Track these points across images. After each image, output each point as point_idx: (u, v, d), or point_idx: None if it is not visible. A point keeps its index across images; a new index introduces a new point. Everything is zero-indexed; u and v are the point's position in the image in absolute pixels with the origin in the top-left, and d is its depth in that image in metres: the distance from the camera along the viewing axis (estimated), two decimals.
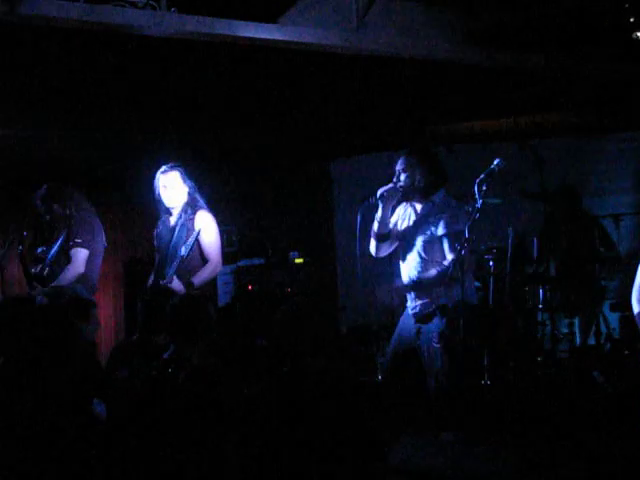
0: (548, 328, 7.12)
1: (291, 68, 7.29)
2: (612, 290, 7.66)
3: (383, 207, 5.77)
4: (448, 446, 3.79)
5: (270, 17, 6.01)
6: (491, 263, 7.23)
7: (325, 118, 9.13)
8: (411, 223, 5.82)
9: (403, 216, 5.92)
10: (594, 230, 7.55)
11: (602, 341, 7.33)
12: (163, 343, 4.78)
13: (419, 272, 5.69)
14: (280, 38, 6.04)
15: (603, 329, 7.38)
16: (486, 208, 6.82)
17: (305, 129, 9.53)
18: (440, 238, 5.66)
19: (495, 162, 6.68)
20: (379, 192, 5.76)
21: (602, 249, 7.42)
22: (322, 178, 10.26)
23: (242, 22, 5.89)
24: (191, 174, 6.74)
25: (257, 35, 5.95)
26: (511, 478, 3.18)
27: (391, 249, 5.96)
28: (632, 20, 7.05)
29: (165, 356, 4.61)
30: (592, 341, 7.39)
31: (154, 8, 5.47)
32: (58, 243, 6.70)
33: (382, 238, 5.87)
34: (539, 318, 7.19)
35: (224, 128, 9.04)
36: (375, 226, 5.85)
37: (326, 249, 10.03)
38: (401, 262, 5.87)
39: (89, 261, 6.72)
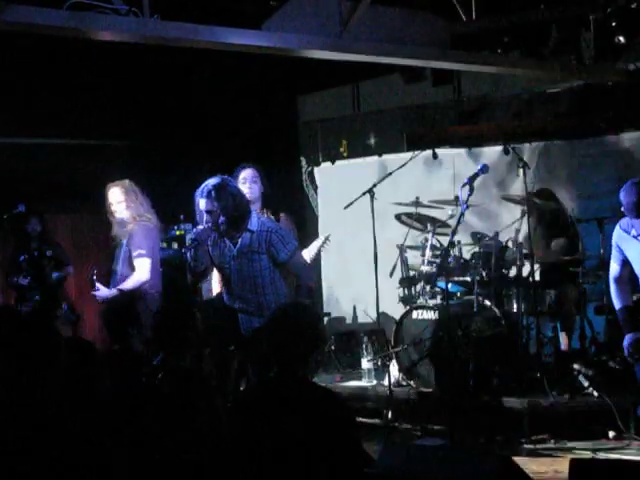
0: (533, 332, 7.13)
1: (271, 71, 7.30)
2: (596, 293, 7.67)
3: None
4: (433, 451, 3.78)
5: (254, 23, 6.02)
6: (475, 268, 7.24)
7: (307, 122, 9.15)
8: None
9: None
10: (578, 232, 7.57)
11: (587, 344, 7.35)
12: (146, 351, 4.77)
13: None
14: (264, 44, 6.04)
15: (588, 332, 7.39)
16: (470, 213, 6.89)
17: (287, 132, 9.57)
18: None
19: (479, 166, 6.72)
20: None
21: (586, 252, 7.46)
22: (309, 182, 10.26)
23: (225, 28, 5.90)
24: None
25: (241, 41, 5.96)
26: None
27: None
28: (614, 24, 7.11)
29: (154, 362, 4.60)
30: (577, 344, 7.40)
31: (137, 15, 5.46)
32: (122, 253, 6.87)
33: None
34: (523, 322, 7.20)
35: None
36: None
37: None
38: None
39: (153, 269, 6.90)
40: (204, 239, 5.94)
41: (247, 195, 6.29)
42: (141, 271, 6.74)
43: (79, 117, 8.51)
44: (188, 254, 6.00)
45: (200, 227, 5.93)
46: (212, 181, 5.90)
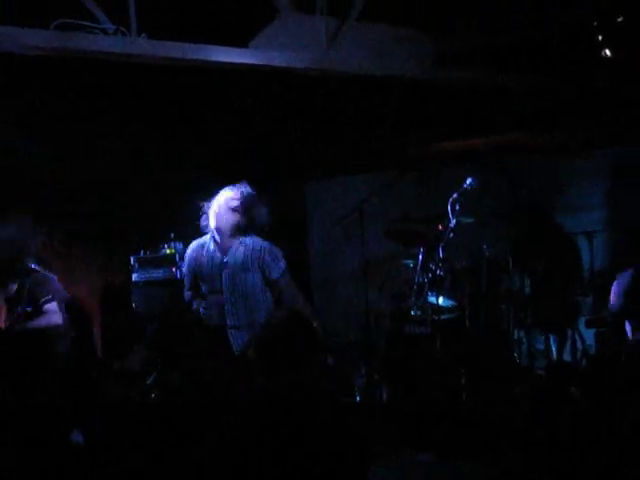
0: (524, 346, 7.15)
1: (263, 89, 7.32)
2: (587, 306, 7.69)
3: None
4: (425, 466, 3.79)
5: (241, 41, 6.05)
6: (466, 282, 7.26)
7: (300, 140, 9.16)
8: None
9: None
10: (569, 247, 7.59)
11: (578, 357, 7.36)
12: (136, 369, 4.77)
13: None
14: (251, 62, 6.07)
15: (579, 345, 7.41)
16: (460, 227, 6.90)
17: (280, 151, 9.56)
18: None
19: (468, 181, 6.75)
20: None
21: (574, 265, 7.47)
22: (296, 199, 10.27)
23: (213, 46, 5.92)
24: None
25: (228, 59, 5.98)
26: None
27: None
28: (600, 38, 7.15)
29: (148, 382, 4.60)
30: (568, 357, 7.42)
31: (124, 34, 5.48)
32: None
33: None
34: (515, 336, 7.21)
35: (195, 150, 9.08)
36: None
37: (300, 268, 10.03)
38: None
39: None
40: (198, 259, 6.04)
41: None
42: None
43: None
44: (186, 280, 6.17)
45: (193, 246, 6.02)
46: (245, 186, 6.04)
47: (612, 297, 5.91)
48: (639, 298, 5.70)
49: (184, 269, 6.37)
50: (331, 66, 6.29)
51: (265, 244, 6.14)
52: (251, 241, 6.05)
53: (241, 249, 6.02)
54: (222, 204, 5.99)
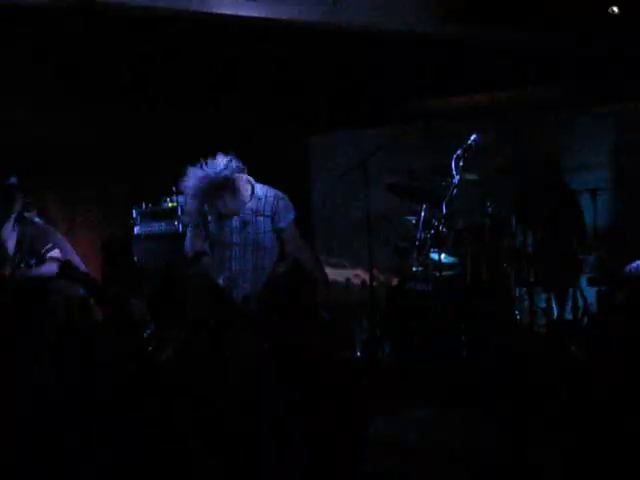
0: (525, 303, 7.15)
1: (264, 42, 7.26)
2: (589, 264, 7.68)
3: None
4: (424, 421, 3.81)
5: None
6: (469, 239, 7.25)
7: (301, 94, 9.12)
8: None
9: None
10: (574, 203, 7.55)
11: (579, 315, 7.37)
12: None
13: None
14: (256, 15, 6.02)
15: (580, 303, 7.41)
16: (463, 184, 6.88)
17: (281, 106, 9.51)
18: None
19: (472, 138, 6.72)
20: None
21: (578, 223, 7.44)
22: (299, 154, 10.24)
23: None
24: None
25: (233, 12, 5.93)
26: (488, 452, 3.22)
27: None
28: None
29: (145, 334, 4.60)
30: (569, 315, 7.43)
31: None
32: None
33: None
34: (516, 293, 7.22)
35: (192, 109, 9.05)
36: None
37: (304, 225, 10.02)
38: None
39: None
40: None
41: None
42: None
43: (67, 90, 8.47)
44: (188, 235, 6.26)
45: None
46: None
47: None
48: None
49: (187, 205, 6.36)
50: (337, 20, 6.23)
51: (279, 193, 6.21)
52: (264, 190, 6.10)
53: (253, 200, 6.08)
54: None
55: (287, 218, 6.16)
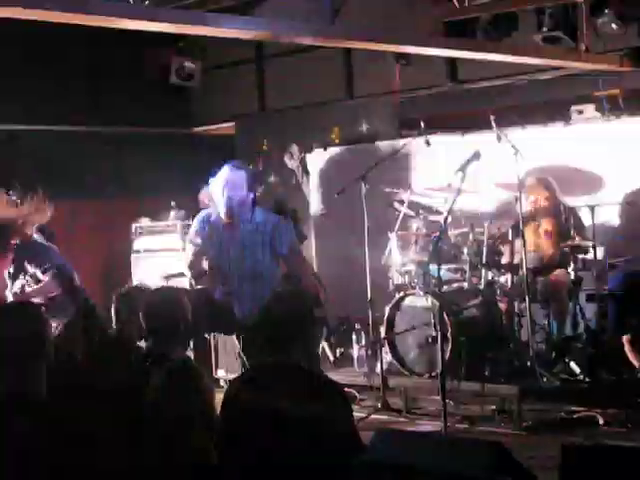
0: (525, 319, 7.12)
1: None
2: (588, 281, 7.63)
3: None
4: (425, 439, 3.79)
5: (245, 10, 6.00)
6: (468, 254, 7.26)
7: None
8: None
9: None
10: (570, 219, 7.53)
11: (578, 332, 7.34)
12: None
13: None
14: (255, 31, 6.01)
15: (579, 320, 7.38)
16: (462, 199, 6.86)
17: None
18: None
19: (471, 153, 6.71)
20: None
21: (578, 239, 7.41)
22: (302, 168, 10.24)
23: (217, 14, 5.87)
24: None
25: (232, 27, 5.92)
26: (489, 470, 3.20)
27: None
28: (606, 11, 7.10)
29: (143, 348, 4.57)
30: (569, 332, 7.40)
31: (127, 1, 5.43)
32: None
33: None
34: (515, 309, 7.19)
35: None
36: None
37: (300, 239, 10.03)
38: None
39: None
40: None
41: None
42: None
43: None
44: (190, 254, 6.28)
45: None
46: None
47: None
48: None
49: (191, 238, 6.35)
50: (336, 36, 6.23)
51: (275, 219, 6.20)
52: (263, 216, 6.10)
53: (249, 226, 6.05)
54: (225, 182, 5.97)
55: (286, 242, 6.11)
